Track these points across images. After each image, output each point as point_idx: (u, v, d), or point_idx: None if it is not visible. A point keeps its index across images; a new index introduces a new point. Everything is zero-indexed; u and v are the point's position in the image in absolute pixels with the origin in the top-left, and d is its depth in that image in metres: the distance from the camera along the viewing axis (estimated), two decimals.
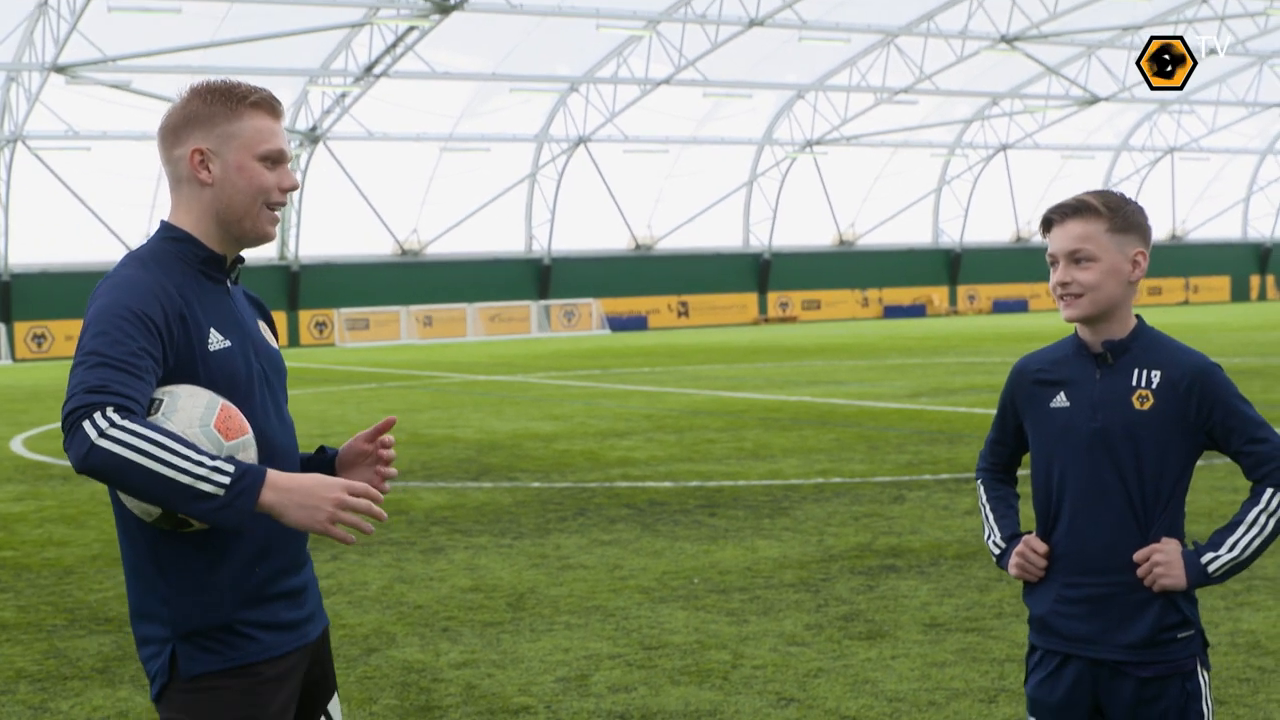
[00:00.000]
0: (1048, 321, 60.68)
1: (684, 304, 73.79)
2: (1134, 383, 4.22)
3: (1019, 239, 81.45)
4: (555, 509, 14.07)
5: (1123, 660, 4.22)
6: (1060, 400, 4.31)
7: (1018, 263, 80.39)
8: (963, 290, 79.76)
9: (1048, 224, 4.28)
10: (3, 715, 7.80)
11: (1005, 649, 8.31)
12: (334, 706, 4.13)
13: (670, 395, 27.55)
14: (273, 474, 3.50)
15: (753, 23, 58.23)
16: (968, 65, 66.64)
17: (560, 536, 12.56)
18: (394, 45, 55.62)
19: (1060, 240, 4.24)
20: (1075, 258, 4.22)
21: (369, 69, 57.36)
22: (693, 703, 7.53)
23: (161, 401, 3.61)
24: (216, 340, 3.80)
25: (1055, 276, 4.26)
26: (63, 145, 57.79)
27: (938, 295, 79.08)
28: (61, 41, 51.08)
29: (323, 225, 65.53)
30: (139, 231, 61.97)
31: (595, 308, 70.31)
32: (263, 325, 4.07)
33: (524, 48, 60.00)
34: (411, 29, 54.35)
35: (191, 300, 3.79)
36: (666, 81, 63.39)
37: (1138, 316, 4.31)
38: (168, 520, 3.60)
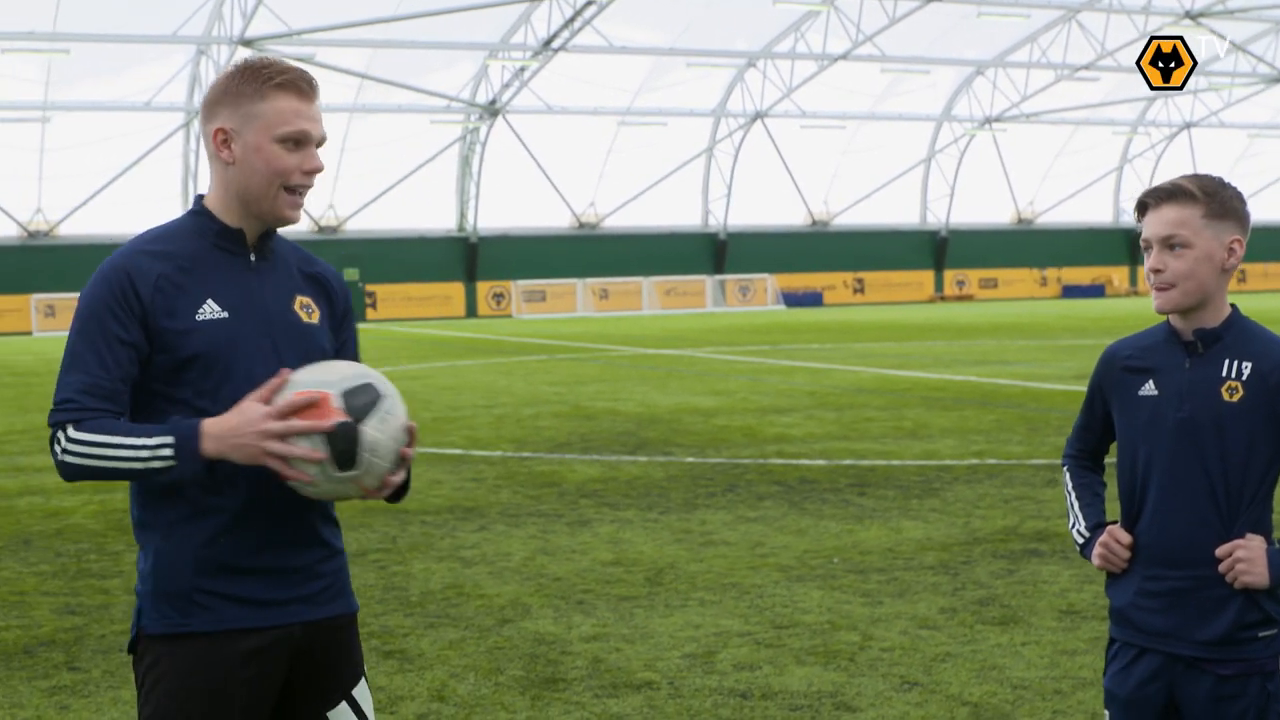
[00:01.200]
0: None
1: (860, 281, 73.36)
2: (1224, 373, 4.08)
3: None
4: (705, 485, 14.07)
5: (1201, 657, 4.09)
6: (1149, 388, 4.18)
7: None
8: (1143, 271, 78.20)
9: (1142, 208, 4.16)
10: None
11: None
12: (360, 693, 4.09)
13: (836, 372, 27.42)
14: (207, 425, 3.72)
15: None
16: None
17: (707, 512, 12.56)
18: (572, 19, 55.82)
19: (1154, 225, 4.12)
20: (1169, 244, 4.09)
21: (547, 43, 57.66)
22: (815, 683, 7.49)
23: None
24: (212, 310, 3.86)
25: (1149, 262, 4.14)
26: None
27: (1118, 275, 77.77)
28: (248, 16, 52.09)
29: (501, 198, 66.09)
30: (321, 200, 62.96)
31: (770, 283, 70.16)
32: (305, 301, 4.05)
33: (701, 22, 59.97)
34: (590, 3, 54.51)
35: (196, 271, 3.88)
36: (844, 57, 62.96)
37: (1233, 305, 4.17)
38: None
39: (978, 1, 59.21)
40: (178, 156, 60.03)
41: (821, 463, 15.35)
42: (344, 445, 3.71)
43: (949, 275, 75.08)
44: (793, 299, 70.12)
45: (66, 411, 3.76)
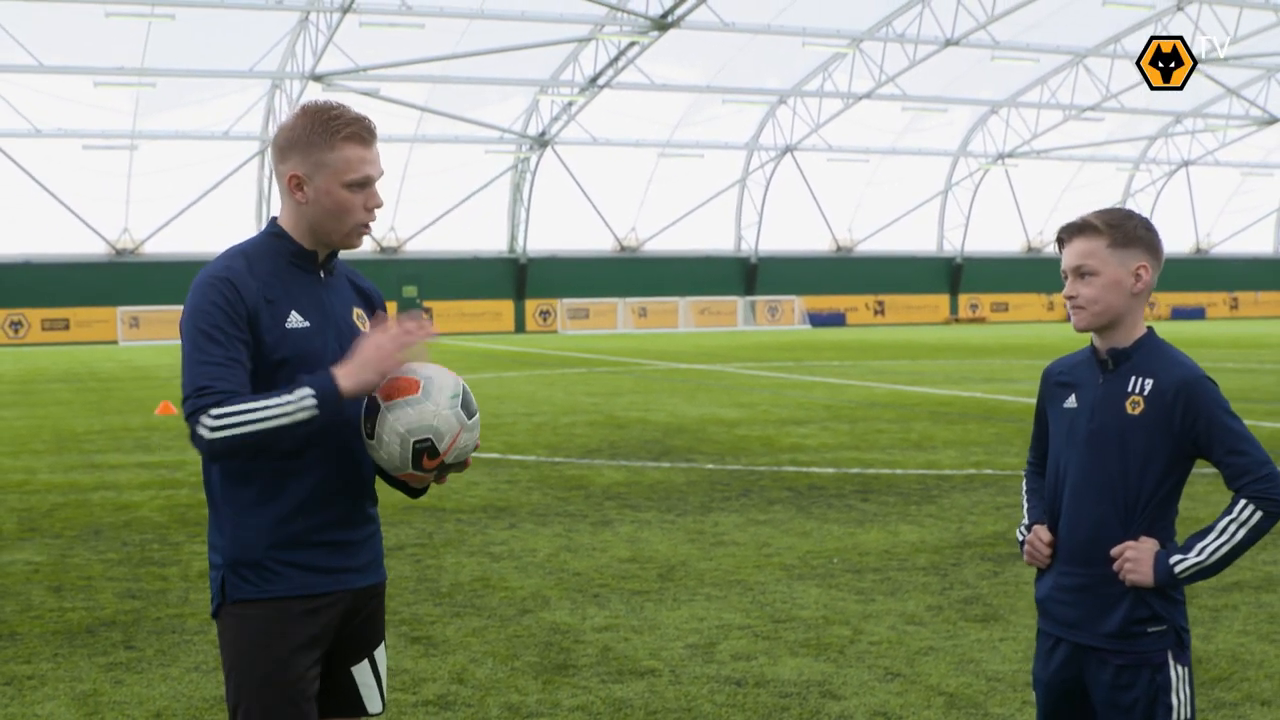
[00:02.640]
0: (1223, 329, 59.11)
1: (880, 303, 73.24)
2: (1129, 388, 4.19)
3: (1198, 250, 79.37)
4: (722, 489, 14.07)
5: (1101, 647, 4.21)
6: (1071, 402, 4.31)
7: (1197, 272, 78.30)
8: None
9: (1060, 242, 4.29)
10: None
11: None
12: (379, 654, 4.30)
13: (852, 387, 27.37)
14: (337, 371, 3.87)
15: (949, 42, 57.52)
16: None
17: (720, 515, 12.57)
18: (616, 59, 55.96)
19: (1067, 257, 4.26)
20: (1080, 272, 4.23)
21: (594, 80, 57.78)
22: (805, 673, 7.50)
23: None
24: (296, 320, 4.02)
25: (1065, 290, 4.28)
26: None
27: None
28: (319, 53, 52.36)
29: (549, 222, 66.27)
30: (383, 223, 63.15)
31: (797, 304, 70.14)
32: (360, 312, 4.25)
33: (736, 62, 60.02)
34: (633, 44, 54.62)
35: (278, 285, 4.04)
36: (868, 96, 62.90)
37: (1149, 328, 4.29)
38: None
39: (991, 46, 59.12)
40: (253, 181, 60.44)
41: (830, 470, 15.34)
42: (465, 397, 4.01)
43: (963, 299, 74.90)
44: (818, 319, 70.08)
45: (206, 397, 3.80)
